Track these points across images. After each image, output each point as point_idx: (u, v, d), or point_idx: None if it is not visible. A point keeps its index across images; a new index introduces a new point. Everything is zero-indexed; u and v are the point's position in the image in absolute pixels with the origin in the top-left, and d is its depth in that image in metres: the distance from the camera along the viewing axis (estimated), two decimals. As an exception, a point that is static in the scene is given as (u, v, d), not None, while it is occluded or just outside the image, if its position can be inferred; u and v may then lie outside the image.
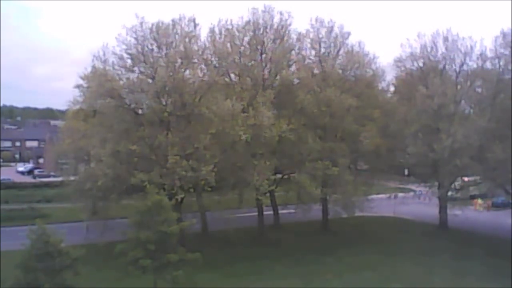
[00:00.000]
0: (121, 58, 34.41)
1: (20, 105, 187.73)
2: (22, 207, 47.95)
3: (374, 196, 48.20)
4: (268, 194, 37.66)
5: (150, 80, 33.53)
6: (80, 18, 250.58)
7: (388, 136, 41.47)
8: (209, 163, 31.91)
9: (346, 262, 33.54)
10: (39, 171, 75.16)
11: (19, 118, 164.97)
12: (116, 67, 34.77)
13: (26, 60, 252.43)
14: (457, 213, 43.89)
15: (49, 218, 38.88)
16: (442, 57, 42.04)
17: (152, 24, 33.76)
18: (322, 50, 40.81)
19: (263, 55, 37.76)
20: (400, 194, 57.44)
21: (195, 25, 35.09)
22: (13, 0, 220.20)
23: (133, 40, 33.76)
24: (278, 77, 38.48)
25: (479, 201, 55.77)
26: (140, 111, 36.17)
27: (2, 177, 63.29)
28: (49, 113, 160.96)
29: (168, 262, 23.42)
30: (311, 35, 40.50)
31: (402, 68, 45.37)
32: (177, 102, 33.56)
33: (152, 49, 34.11)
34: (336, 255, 35.39)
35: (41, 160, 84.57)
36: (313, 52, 41.05)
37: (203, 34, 37.10)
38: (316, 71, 40.76)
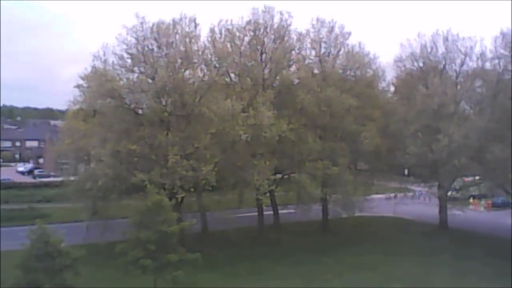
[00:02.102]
0: (121, 58, 34.40)
1: (20, 105, 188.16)
2: (22, 207, 47.92)
3: (374, 196, 48.18)
4: (268, 194, 37.65)
5: (150, 80, 33.52)
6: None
7: (388, 136, 41.45)
8: (209, 163, 31.90)
9: (346, 262, 33.53)
10: (39, 171, 75.14)
11: (19, 118, 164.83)
12: (116, 67, 34.77)
13: (56, 61, 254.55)
14: (457, 213, 43.88)
15: (49, 218, 38.86)
16: (442, 57, 42.06)
17: (153, 24, 33.77)
18: (323, 50, 40.80)
19: (263, 55, 37.74)
20: (400, 194, 57.41)
21: (196, 25, 35.09)
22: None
23: (133, 40, 33.78)
24: (278, 77, 38.47)
25: (480, 201, 55.67)
26: (140, 111, 36.14)
27: (2, 177, 63.26)
28: (49, 113, 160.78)
29: (168, 262, 23.41)
30: (312, 35, 40.49)
31: (402, 68, 45.38)
32: (177, 102, 33.55)
33: (152, 49, 34.10)
34: (336, 255, 35.37)
35: (41, 160, 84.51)
36: (313, 52, 41.03)
37: (203, 34, 37.13)
38: (316, 71, 40.76)
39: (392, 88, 48.65)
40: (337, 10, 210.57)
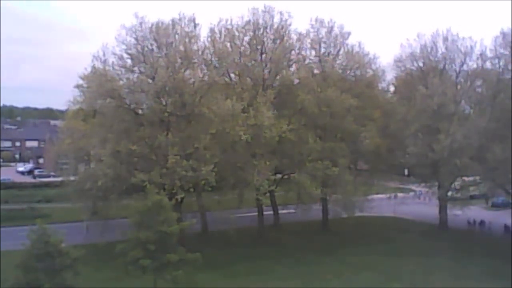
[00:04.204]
0: (121, 58, 34.46)
1: (20, 105, 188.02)
2: (22, 207, 47.95)
3: (374, 196, 48.20)
4: (268, 194, 37.66)
5: (150, 80, 33.51)
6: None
7: (388, 136, 41.49)
8: (209, 163, 31.92)
9: (346, 262, 33.55)
10: (39, 171, 75.04)
11: (19, 118, 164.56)
12: (116, 67, 34.81)
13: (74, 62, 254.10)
14: (457, 213, 43.85)
15: (49, 218, 38.78)
16: (442, 57, 42.10)
17: (152, 24, 33.80)
18: (322, 50, 40.89)
19: (263, 55, 37.78)
20: (400, 194, 57.47)
21: (195, 25, 35.15)
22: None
23: (133, 40, 33.82)
24: (278, 77, 38.52)
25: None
26: (140, 111, 36.18)
27: (2, 177, 63.20)
28: (49, 113, 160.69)
29: (168, 262, 23.41)
30: (311, 35, 40.55)
31: (402, 68, 45.41)
32: (177, 102, 33.55)
33: (152, 49, 34.13)
34: (336, 255, 35.39)
35: (41, 160, 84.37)
36: (313, 52, 41.10)
37: (203, 34, 37.24)
38: (316, 71, 40.81)
39: (392, 88, 48.71)
40: (337, 10, 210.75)
